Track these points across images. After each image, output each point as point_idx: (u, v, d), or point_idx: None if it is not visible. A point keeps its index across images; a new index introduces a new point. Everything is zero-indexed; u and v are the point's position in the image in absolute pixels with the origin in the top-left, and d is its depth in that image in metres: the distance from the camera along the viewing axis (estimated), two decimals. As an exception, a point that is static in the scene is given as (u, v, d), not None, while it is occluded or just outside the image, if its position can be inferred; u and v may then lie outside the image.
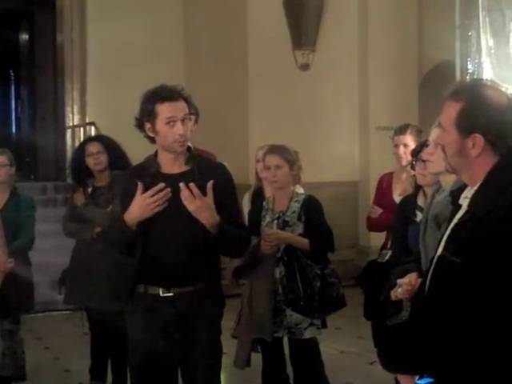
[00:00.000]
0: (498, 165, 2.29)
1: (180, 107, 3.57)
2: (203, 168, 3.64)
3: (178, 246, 3.53)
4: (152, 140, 3.66)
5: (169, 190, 3.47)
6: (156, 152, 3.70)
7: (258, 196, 5.30)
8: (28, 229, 5.58)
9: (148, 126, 3.58)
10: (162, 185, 3.48)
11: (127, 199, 3.59)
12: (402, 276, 3.31)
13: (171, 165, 3.64)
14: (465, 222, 2.27)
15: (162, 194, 3.47)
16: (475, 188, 2.32)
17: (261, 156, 5.34)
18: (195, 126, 4.94)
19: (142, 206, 3.49)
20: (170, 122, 3.53)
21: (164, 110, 3.54)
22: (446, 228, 2.40)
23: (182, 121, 3.55)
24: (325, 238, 4.68)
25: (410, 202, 4.31)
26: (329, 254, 4.75)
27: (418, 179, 4.17)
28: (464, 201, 2.37)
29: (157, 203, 3.47)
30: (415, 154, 4.20)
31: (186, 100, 3.63)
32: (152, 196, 3.47)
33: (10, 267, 4.95)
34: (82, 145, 5.65)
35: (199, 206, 3.44)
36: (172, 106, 3.55)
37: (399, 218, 4.38)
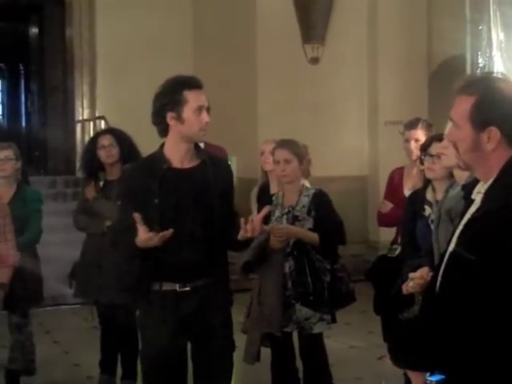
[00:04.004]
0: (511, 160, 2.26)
1: (205, 97, 3.58)
2: (212, 162, 3.66)
3: (192, 240, 3.52)
4: (164, 131, 3.59)
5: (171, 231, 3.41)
6: (162, 146, 3.65)
7: (264, 191, 5.29)
8: (35, 223, 5.56)
9: (171, 114, 3.50)
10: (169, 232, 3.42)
11: (133, 197, 3.56)
12: (415, 270, 3.31)
13: (183, 158, 3.59)
14: (478, 218, 2.24)
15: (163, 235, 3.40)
16: (489, 183, 2.29)
17: (265, 149, 5.33)
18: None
19: (145, 241, 3.42)
20: (200, 109, 3.51)
21: (194, 97, 3.50)
22: (459, 223, 2.38)
23: (207, 110, 3.57)
24: (334, 232, 4.66)
25: (418, 196, 4.31)
26: (338, 248, 4.74)
27: (427, 173, 4.17)
28: (477, 196, 2.33)
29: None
30: (424, 148, 4.20)
31: None
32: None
33: (18, 261, 4.97)
34: (95, 138, 5.64)
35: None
36: (200, 94, 3.55)
37: (408, 213, 4.38)
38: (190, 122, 3.50)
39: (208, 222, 3.53)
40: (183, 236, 3.51)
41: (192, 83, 3.54)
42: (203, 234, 3.54)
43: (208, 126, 3.54)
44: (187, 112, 3.49)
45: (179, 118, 3.50)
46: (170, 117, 3.51)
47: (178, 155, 3.59)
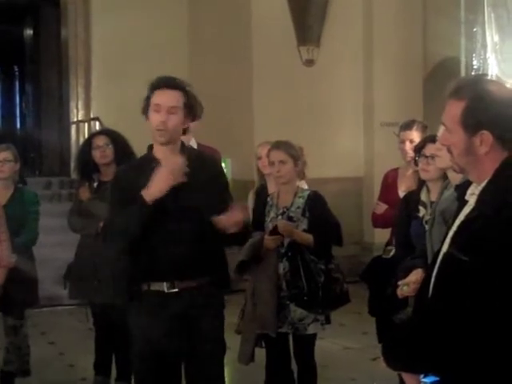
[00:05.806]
0: (506, 161, 2.26)
1: (169, 97, 3.53)
2: (198, 159, 3.68)
3: (181, 241, 3.51)
4: None
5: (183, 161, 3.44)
6: (151, 147, 3.67)
7: (261, 193, 5.30)
8: (32, 225, 5.57)
9: (146, 113, 3.58)
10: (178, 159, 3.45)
11: (126, 197, 3.55)
12: (408, 272, 3.31)
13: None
14: (472, 220, 2.24)
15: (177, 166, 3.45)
16: (483, 185, 2.29)
17: (261, 153, 5.34)
18: (198, 120, 4.92)
19: (161, 178, 3.45)
20: (156, 109, 3.51)
21: (156, 96, 3.53)
22: (452, 224, 2.38)
23: (169, 111, 3.51)
24: (329, 233, 4.67)
25: (413, 197, 4.32)
26: (333, 249, 4.74)
27: (421, 174, 4.18)
28: (471, 197, 2.33)
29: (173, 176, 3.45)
30: (418, 149, 4.21)
31: (186, 92, 3.58)
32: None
33: (13, 262, 4.97)
34: (89, 138, 5.64)
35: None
36: (161, 94, 3.53)
37: (402, 214, 4.39)
38: (150, 121, 3.55)
39: (197, 221, 3.52)
40: (169, 235, 3.50)
41: (162, 82, 3.57)
42: (191, 233, 3.52)
43: (164, 125, 3.49)
44: (150, 111, 3.55)
45: (147, 117, 3.57)
46: (146, 116, 3.58)
47: (163, 156, 3.57)
